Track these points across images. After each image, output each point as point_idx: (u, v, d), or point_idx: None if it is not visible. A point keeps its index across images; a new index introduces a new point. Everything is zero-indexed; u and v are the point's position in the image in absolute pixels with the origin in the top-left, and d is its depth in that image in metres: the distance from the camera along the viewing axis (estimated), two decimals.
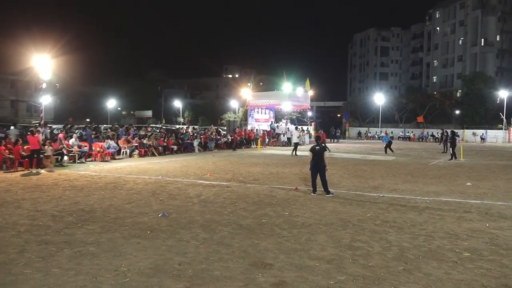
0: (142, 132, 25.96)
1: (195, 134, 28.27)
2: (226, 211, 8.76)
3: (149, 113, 68.86)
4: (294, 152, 24.17)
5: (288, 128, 37.68)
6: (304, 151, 26.73)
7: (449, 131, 27.30)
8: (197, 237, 6.79)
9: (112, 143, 20.57)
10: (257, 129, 36.23)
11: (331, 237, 6.91)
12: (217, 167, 17.22)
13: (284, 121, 41.59)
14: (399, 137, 57.54)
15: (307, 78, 41.26)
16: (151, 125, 46.09)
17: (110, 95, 67.25)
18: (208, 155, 23.58)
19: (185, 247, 6.26)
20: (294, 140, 25.30)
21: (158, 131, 31.04)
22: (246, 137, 32.68)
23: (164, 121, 71.31)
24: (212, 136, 29.35)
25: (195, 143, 25.91)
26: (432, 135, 53.64)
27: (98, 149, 19.61)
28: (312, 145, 11.28)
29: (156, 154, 22.49)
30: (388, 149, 27.02)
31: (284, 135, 36.12)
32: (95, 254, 5.90)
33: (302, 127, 39.83)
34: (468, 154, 27.09)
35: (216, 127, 37.84)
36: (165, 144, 24.29)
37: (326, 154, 10.98)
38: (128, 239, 6.61)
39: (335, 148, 32.22)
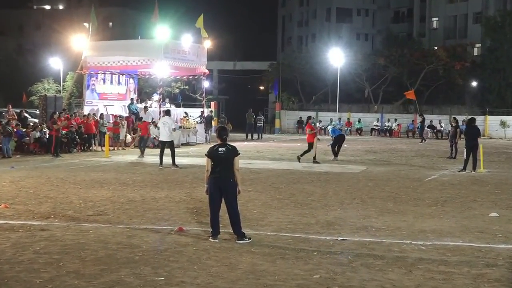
0: None
1: None
2: (39, 279, 8.58)
3: None
4: (172, 160, 24.24)
5: (164, 111, 37.62)
6: (195, 158, 26.82)
7: (460, 118, 28.73)
8: None
9: None
10: (102, 114, 35.68)
11: None
12: (22, 191, 16.92)
13: (157, 97, 41.35)
14: (372, 129, 59.81)
15: (202, 14, 41.39)
16: None
17: None
18: (2, 167, 22.97)
19: None
20: (163, 136, 25.05)
21: None
22: (81, 131, 32.22)
23: None
24: (10, 129, 28.31)
25: None
26: (431, 126, 55.65)
27: None
28: (212, 145, 11.31)
29: None
30: (333, 149, 28.19)
31: (156, 126, 35.99)
32: None
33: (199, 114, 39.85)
34: (493, 161, 28.97)
35: (18, 111, 36.77)
36: None
37: (238, 163, 11.06)
38: None
39: (256, 152, 32.72)
